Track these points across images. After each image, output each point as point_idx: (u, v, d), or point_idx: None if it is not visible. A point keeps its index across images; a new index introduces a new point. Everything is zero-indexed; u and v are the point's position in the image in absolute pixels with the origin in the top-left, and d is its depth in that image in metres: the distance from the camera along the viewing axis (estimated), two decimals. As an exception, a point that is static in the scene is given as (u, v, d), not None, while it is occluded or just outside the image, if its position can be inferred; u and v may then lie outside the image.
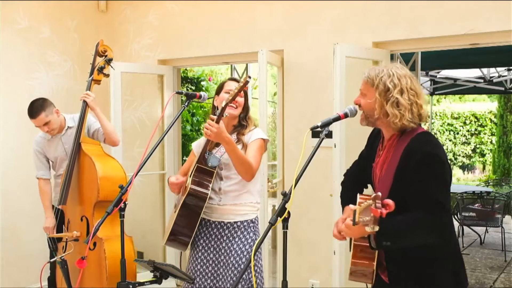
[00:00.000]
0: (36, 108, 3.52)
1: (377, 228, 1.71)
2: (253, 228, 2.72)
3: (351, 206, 1.82)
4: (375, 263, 2.02)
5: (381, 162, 2.11)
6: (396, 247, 1.93)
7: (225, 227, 2.70)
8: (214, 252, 2.71)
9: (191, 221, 2.63)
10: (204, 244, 2.73)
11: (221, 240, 2.70)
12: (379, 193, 1.71)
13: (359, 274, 2.09)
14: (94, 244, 3.23)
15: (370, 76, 2.04)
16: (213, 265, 2.70)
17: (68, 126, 3.70)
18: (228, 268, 2.64)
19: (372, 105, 2.03)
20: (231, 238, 2.68)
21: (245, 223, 2.69)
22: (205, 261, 2.72)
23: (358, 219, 1.73)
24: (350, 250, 2.17)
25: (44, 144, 3.72)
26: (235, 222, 2.69)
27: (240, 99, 2.72)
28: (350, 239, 2.16)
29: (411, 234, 1.89)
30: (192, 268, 2.75)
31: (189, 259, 2.80)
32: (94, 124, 3.68)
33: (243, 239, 2.67)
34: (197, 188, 2.60)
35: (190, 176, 2.64)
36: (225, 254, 2.67)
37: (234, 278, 2.58)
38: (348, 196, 2.29)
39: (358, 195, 2.08)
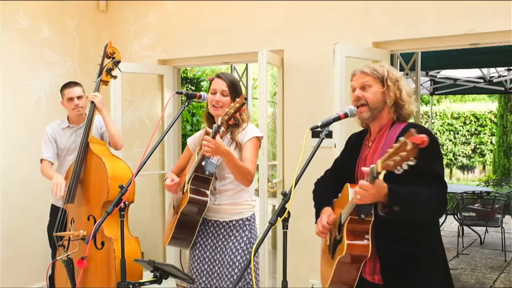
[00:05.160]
0: (75, 82, 3.80)
1: (414, 162, 1.66)
2: (249, 226, 2.73)
3: (363, 168, 1.89)
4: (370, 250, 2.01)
5: (371, 153, 2.16)
6: (405, 215, 1.94)
7: (221, 226, 2.72)
8: (211, 250, 2.73)
9: (191, 226, 2.68)
10: (201, 242, 2.76)
11: (218, 238, 2.72)
12: (412, 129, 1.69)
13: (343, 278, 2.11)
14: (102, 243, 3.24)
15: (372, 68, 2.15)
16: (209, 263, 2.72)
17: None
18: (223, 266, 2.67)
19: (382, 95, 2.12)
20: (227, 237, 2.70)
21: (241, 222, 2.71)
22: (201, 258, 2.74)
23: (383, 165, 1.70)
24: (330, 254, 2.21)
25: (58, 131, 3.79)
26: (231, 221, 2.71)
27: (225, 98, 2.67)
28: (330, 241, 2.20)
29: (420, 202, 1.94)
30: (189, 265, 2.79)
31: (189, 257, 2.83)
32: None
33: (238, 238, 2.68)
34: (196, 196, 2.63)
35: (188, 183, 2.65)
36: (221, 252, 2.70)
37: (229, 276, 2.61)
38: (324, 201, 2.33)
39: (349, 186, 2.11)
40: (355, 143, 2.32)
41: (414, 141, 1.64)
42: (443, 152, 12.30)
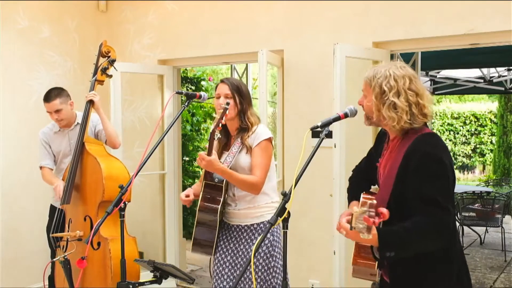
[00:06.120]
0: (53, 93, 3.64)
1: (370, 237, 1.69)
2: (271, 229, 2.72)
3: (354, 208, 1.76)
4: (376, 264, 1.97)
5: (384, 163, 2.08)
6: (403, 255, 1.86)
7: (243, 230, 2.73)
8: (232, 254, 2.73)
9: (209, 233, 2.69)
10: (223, 245, 2.76)
11: (240, 242, 2.73)
12: (374, 201, 1.69)
13: (362, 272, 2.05)
14: (98, 244, 3.23)
15: (368, 77, 2.01)
16: (230, 267, 2.72)
17: (77, 122, 3.73)
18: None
19: (371, 107, 2.01)
20: (249, 241, 2.71)
21: (262, 225, 2.71)
22: (221, 262, 2.74)
23: (354, 225, 1.72)
24: None
25: (50, 135, 3.77)
26: (252, 225, 2.71)
27: (228, 101, 2.67)
28: None
29: (415, 240, 1.83)
30: (211, 269, 2.81)
31: (212, 262, 2.84)
32: (100, 124, 3.71)
33: None
34: (207, 204, 2.66)
35: (201, 191, 2.69)
36: (243, 256, 2.70)
37: (253, 279, 2.60)
38: (354, 191, 2.24)
39: (362, 194, 2.05)
40: (381, 140, 2.20)
41: (366, 222, 1.67)
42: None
